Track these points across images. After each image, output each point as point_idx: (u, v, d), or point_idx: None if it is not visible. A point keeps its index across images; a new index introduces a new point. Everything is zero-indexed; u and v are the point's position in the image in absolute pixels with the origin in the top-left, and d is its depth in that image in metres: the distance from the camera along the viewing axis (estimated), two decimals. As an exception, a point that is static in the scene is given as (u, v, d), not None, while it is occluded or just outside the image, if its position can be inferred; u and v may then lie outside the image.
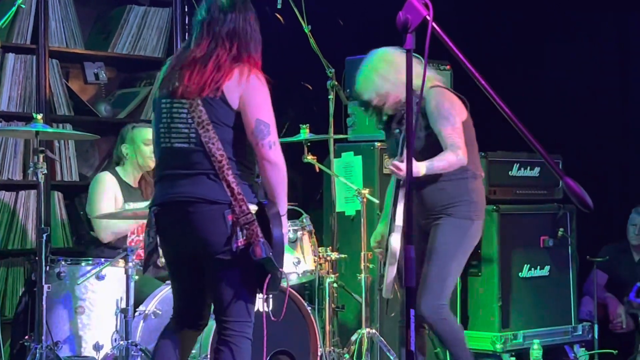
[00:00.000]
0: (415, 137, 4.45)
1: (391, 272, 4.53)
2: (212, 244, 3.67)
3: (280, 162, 3.75)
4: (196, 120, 3.68)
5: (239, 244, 3.63)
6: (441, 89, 4.64)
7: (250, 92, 3.71)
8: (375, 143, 5.90)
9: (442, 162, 4.45)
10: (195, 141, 3.69)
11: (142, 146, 5.46)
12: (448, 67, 6.22)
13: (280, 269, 3.70)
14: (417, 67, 4.25)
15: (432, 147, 4.52)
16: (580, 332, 6.38)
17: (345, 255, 5.51)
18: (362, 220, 5.38)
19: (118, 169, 5.53)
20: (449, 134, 4.49)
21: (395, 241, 4.47)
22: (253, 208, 3.70)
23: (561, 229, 6.33)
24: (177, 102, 3.73)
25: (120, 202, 5.40)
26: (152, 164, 5.45)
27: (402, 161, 4.38)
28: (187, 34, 6.68)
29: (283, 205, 3.79)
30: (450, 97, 4.63)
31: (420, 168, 4.40)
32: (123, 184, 5.47)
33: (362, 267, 5.34)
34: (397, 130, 4.64)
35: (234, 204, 3.64)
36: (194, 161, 3.70)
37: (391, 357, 5.24)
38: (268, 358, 4.93)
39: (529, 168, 6.38)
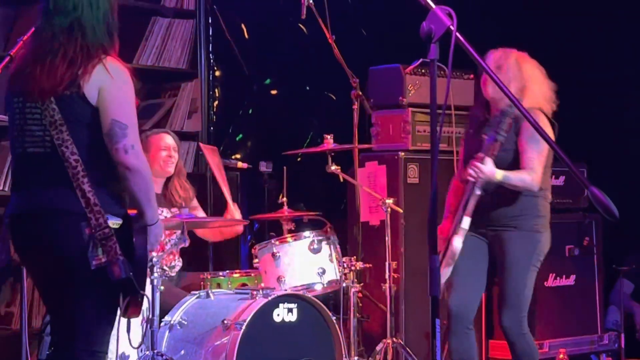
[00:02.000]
0: (503, 149, 4.56)
1: (446, 272, 4.63)
2: (67, 259, 3.30)
3: (140, 167, 3.34)
4: (48, 120, 3.30)
5: (99, 261, 3.25)
6: (540, 114, 4.67)
7: (109, 86, 3.32)
8: (399, 152, 5.90)
9: (516, 179, 4.58)
10: (49, 145, 3.31)
11: (157, 152, 5.45)
12: (471, 76, 6.21)
13: (142, 292, 3.29)
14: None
15: (512, 165, 4.63)
16: (607, 342, 6.34)
17: (370, 265, 5.51)
18: (386, 229, 5.38)
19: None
20: (533, 157, 4.61)
21: (458, 243, 4.59)
22: (116, 222, 3.32)
23: (587, 238, 6.30)
24: (29, 101, 3.35)
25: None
26: (169, 170, 5.46)
27: (483, 162, 4.50)
28: (210, 45, 6.72)
29: (150, 213, 3.39)
30: (545, 124, 4.67)
31: (497, 174, 4.52)
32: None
33: (387, 276, 5.33)
34: (486, 136, 4.68)
35: (89, 216, 3.24)
36: (48, 167, 3.32)
37: (416, 367, 5.24)
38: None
39: (553, 177, 6.33)
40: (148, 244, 3.38)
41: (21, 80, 3.39)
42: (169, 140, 5.51)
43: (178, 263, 5.46)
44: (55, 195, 3.31)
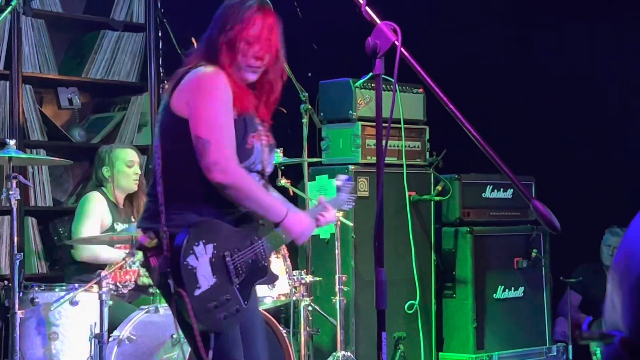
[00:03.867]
0: None
1: None
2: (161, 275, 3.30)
3: (229, 181, 3.19)
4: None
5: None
6: None
7: (192, 98, 3.22)
8: (350, 166, 5.92)
9: None
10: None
11: (124, 167, 5.43)
12: (421, 90, 6.26)
13: (179, 289, 3.13)
14: None
15: None
16: (555, 353, 6.41)
17: (320, 278, 5.51)
18: (336, 243, 5.40)
19: (104, 189, 5.48)
20: None
21: None
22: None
23: (535, 250, 6.37)
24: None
25: (108, 222, 5.37)
26: (135, 185, 5.44)
27: None
28: (160, 58, 6.70)
29: (271, 214, 3.34)
30: None
31: None
32: (111, 204, 5.43)
33: (337, 289, 5.34)
34: None
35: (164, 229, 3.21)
36: (152, 183, 3.35)
37: (366, 380, 5.25)
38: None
39: (502, 190, 6.41)
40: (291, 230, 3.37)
41: None
42: (133, 155, 5.50)
43: (131, 285, 5.34)
44: (147, 213, 3.34)
